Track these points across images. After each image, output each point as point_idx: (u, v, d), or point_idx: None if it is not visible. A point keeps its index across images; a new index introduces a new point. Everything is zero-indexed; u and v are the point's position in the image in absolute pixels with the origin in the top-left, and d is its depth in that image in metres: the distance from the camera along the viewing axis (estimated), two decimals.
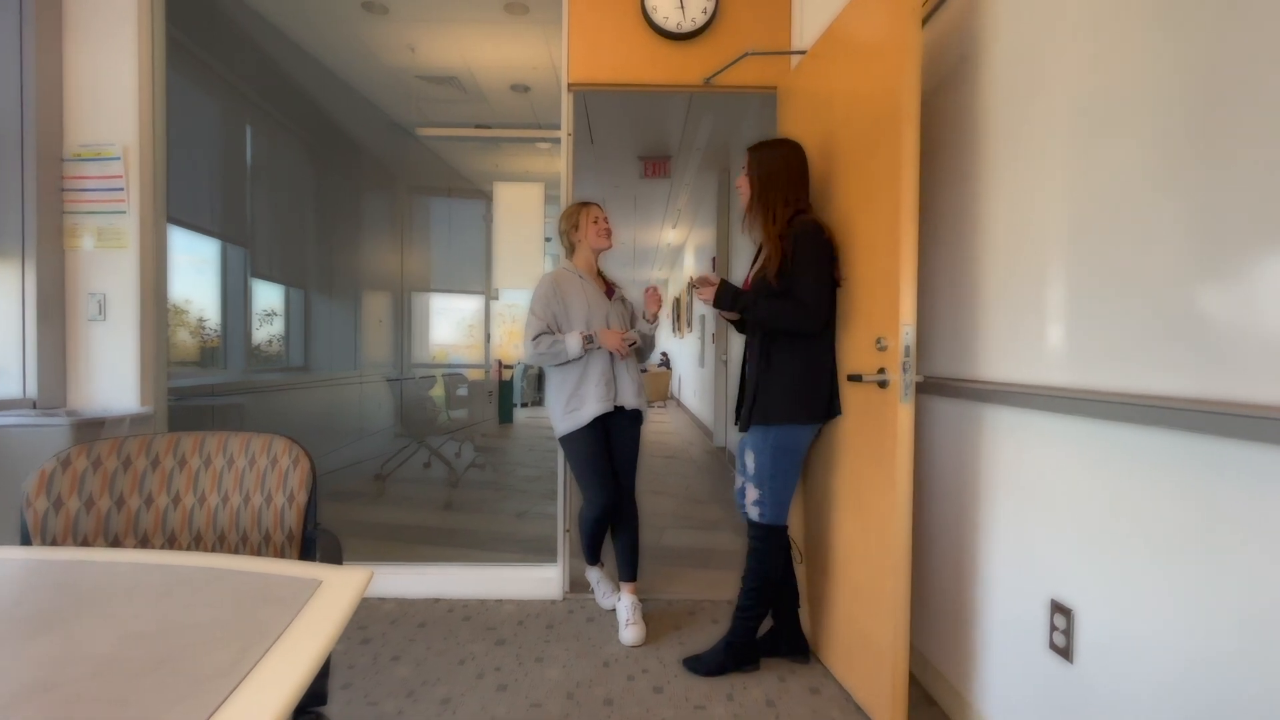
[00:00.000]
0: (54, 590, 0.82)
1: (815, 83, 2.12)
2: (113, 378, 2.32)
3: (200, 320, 3.08)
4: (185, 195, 2.76)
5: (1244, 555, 0.95)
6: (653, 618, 2.35)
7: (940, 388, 1.79)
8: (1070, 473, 1.32)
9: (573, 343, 2.16)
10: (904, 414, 1.59)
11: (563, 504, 2.55)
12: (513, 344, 3.61)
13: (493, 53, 3.07)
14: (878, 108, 1.70)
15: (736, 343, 5.69)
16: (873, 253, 1.73)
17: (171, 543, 1.19)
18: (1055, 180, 1.37)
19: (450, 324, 3.85)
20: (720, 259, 6.25)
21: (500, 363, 3.80)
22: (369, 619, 2.32)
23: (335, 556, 1.18)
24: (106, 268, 2.31)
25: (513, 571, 2.52)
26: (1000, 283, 1.56)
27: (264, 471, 1.22)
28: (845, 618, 1.89)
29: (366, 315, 3.80)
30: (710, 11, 2.42)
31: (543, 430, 3.56)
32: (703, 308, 8.21)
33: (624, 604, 2.26)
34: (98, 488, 1.16)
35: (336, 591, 0.82)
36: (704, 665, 1.96)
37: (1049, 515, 1.38)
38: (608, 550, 2.44)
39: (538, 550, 2.63)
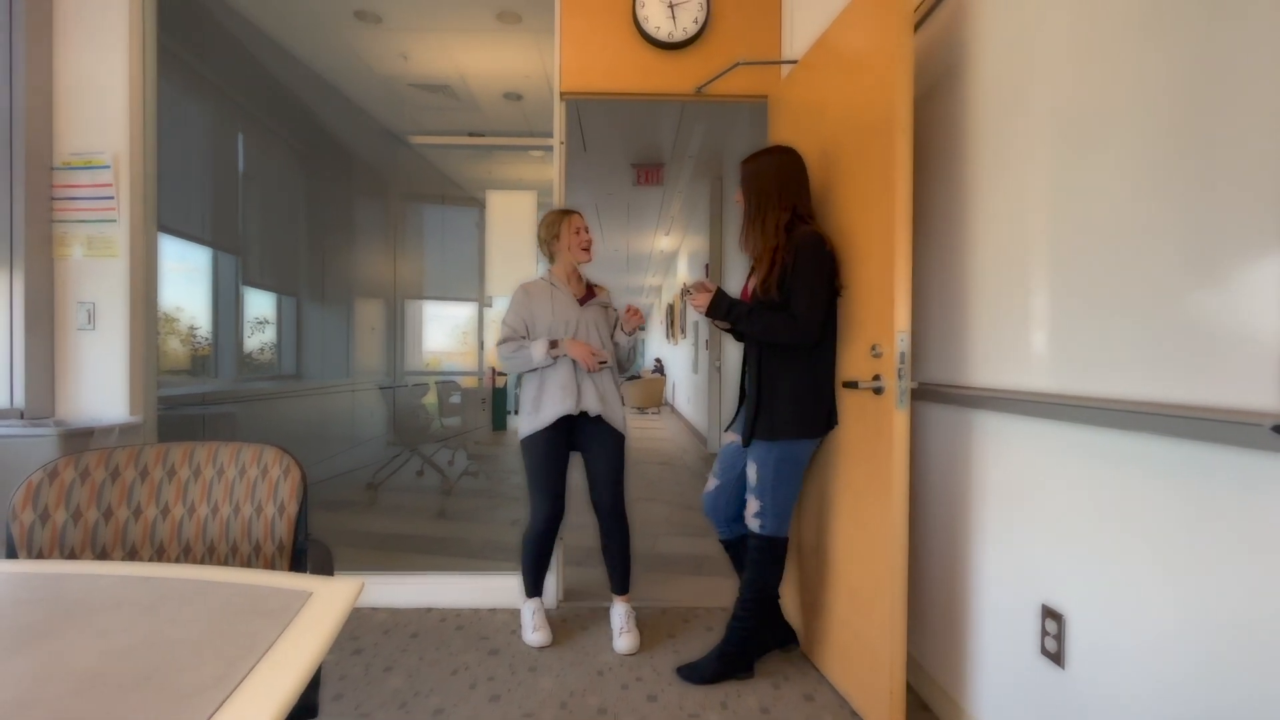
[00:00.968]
0: (38, 604, 0.81)
1: (807, 92, 2.14)
2: (102, 387, 2.30)
3: (191, 329, 3.06)
4: (176, 203, 2.74)
5: (1234, 560, 0.96)
6: (646, 625, 2.34)
7: (933, 394, 1.79)
8: (1059, 478, 1.32)
9: (537, 350, 2.14)
10: (899, 420, 1.60)
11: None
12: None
13: (485, 61, 3.08)
14: (870, 117, 1.71)
15: (731, 349, 5.71)
16: (867, 260, 1.74)
17: (160, 554, 1.18)
18: (1041, 189, 1.38)
19: (443, 331, 3.84)
20: (713, 266, 6.27)
21: (494, 370, 3.80)
22: (361, 629, 2.30)
23: (326, 568, 1.17)
24: (96, 276, 2.29)
25: (506, 580, 2.51)
26: (989, 289, 1.57)
27: (254, 482, 1.21)
28: (841, 623, 1.89)
29: (359, 323, 3.78)
30: (701, 21, 2.44)
31: None
32: (696, 314, 8.22)
33: (617, 613, 2.25)
34: (85, 499, 1.15)
35: (327, 603, 0.81)
36: (698, 673, 1.95)
37: (1039, 520, 1.38)
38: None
39: None
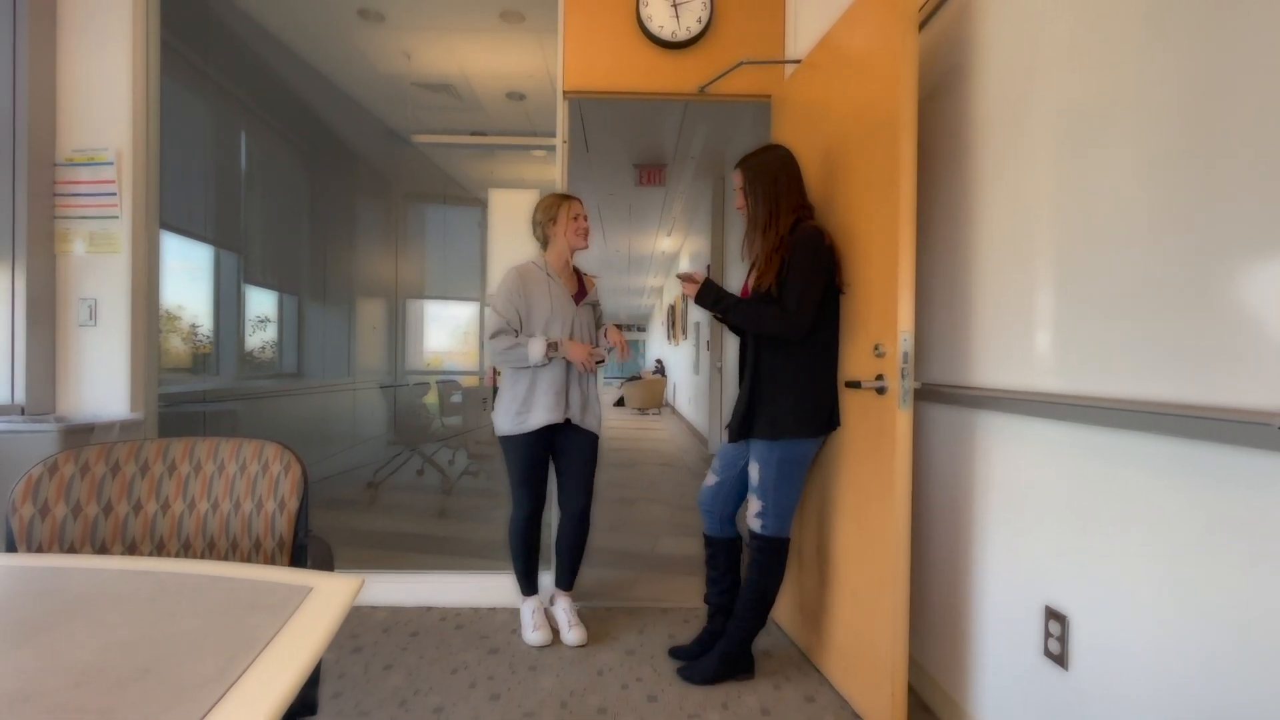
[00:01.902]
0: (36, 598, 0.80)
1: (811, 92, 2.13)
2: (103, 384, 2.30)
3: (193, 326, 3.06)
4: (178, 201, 2.74)
5: (1238, 560, 0.95)
6: (648, 625, 2.34)
7: (936, 394, 1.79)
8: (1063, 478, 1.32)
9: (535, 350, 2.07)
10: (902, 420, 1.59)
11: (557, 511, 2.53)
12: None
13: (488, 60, 3.07)
14: (874, 116, 1.71)
15: (731, 351, 5.70)
16: (870, 259, 1.73)
17: (160, 550, 1.18)
18: (1045, 188, 1.38)
19: (445, 331, 3.83)
20: (715, 266, 6.27)
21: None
22: (360, 627, 2.29)
23: (326, 564, 1.17)
24: (98, 273, 2.29)
25: (506, 580, 2.50)
26: (992, 288, 1.56)
27: (255, 477, 1.21)
28: (843, 624, 1.88)
29: (360, 322, 3.78)
30: (705, 21, 2.44)
31: None
32: (698, 315, 8.22)
33: (562, 608, 2.25)
34: (85, 494, 1.14)
35: (327, 599, 0.81)
36: (699, 674, 1.94)
37: (1043, 521, 1.38)
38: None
39: None
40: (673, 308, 11.85)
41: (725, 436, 2.10)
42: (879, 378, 1.67)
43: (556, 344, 2.11)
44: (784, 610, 2.30)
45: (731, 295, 1.87)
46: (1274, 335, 0.90)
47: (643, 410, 12.14)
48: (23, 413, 2.17)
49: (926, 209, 1.86)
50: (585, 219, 2.24)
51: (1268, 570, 0.91)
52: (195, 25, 2.78)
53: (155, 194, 2.42)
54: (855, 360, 1.81)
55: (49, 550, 1.10)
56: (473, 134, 3.38)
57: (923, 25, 1.87)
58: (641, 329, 23.49)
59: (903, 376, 1.58)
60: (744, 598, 1.92)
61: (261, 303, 3.48)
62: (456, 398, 3.89)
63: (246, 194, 3.34)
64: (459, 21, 2.89)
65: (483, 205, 3.25)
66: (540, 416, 2.12)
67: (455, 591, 2.50)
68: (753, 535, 1.89)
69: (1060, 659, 1.32)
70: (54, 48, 2.27)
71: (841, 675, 1.88)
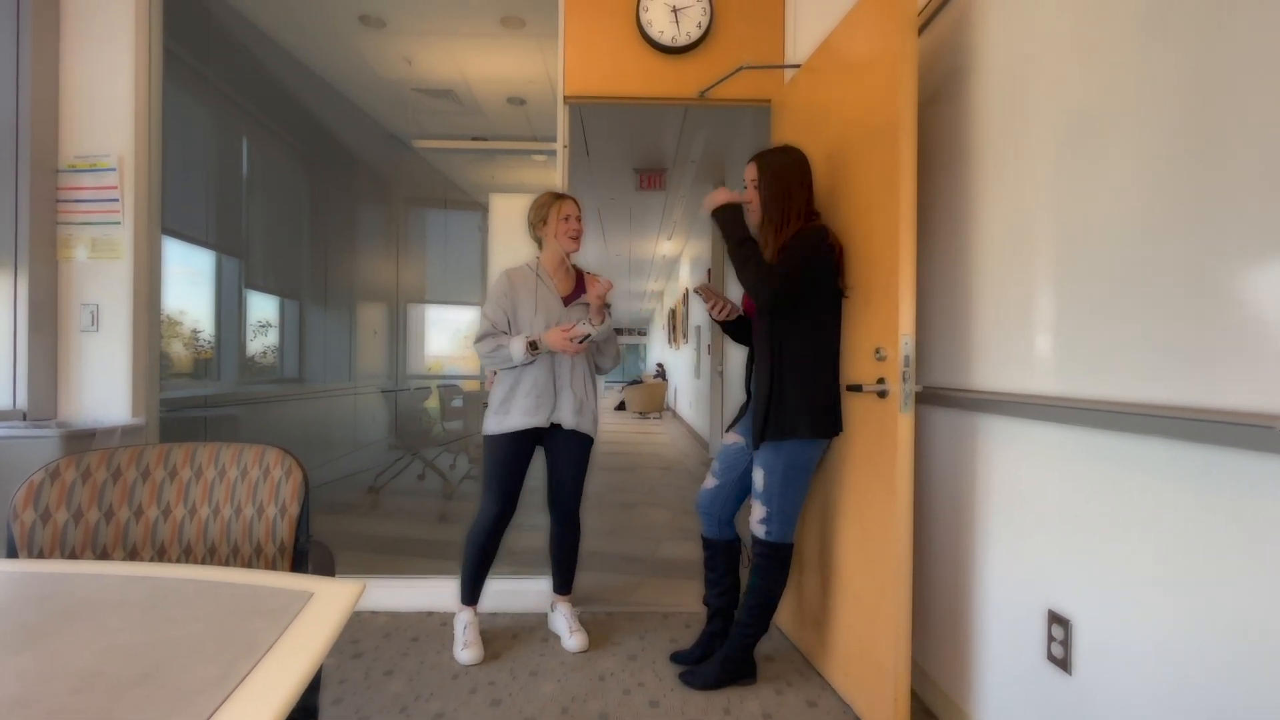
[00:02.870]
0: (37, 603, 0.80)
1: (810, 96, 2.14)
2: (104, 389, 2.30)
3: (194, 331, 3.07)
4: (180, 206, 2.75)
5: (1243, 564, 0.95)
6: (649, 630, 2.33)
7: (937, 398, 1.79)
8: (1065, 482, 1.31)
9: (516, 348, 2.02)
10: (904, 424, 1.59)
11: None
12: None
13: (489, 65, 3.09)
14: (874, 120, 1.71)
15: (733, 354, 5.70)
16: (871, 263, 1.73)
17: (161, 555, 1.18)
18: (1046, 191, 1.38)
19: (446, 335, 3.83)
20: (715, 271, 6.27)
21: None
22: (361, 633, 2.29)
23: (327, 569, 1.17)
24: (100, 278, 2.30)
25: (507, 584, 2.49)
26: (993, 291, 1.56)
27: (256, 483, 1.21)
28: (845, 629, 1.88)
29: (361, 327, 3.78)
30: (705, 26, 2.45)
31: None
32: (699, 318, 8.22)
33: (561, 614, 2.23)
34: (86, 499, 1.14)
35: (328, 604, 0.81)
36: (700, 679, 1.93)
37: (1045, 524, 1.37)
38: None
39: (532, 563, 2.60)
40: (673, 311, 11.85)
41: (725, 438, 2.10)
42: (880, 381, 1.67)
43: (537, 341, 2.03)
44: (786, 615, 2.30)
45: (746, 232, 1.84)
46: (1275, 337, 0.90)
47: (644, 414, 12.13)
48: (24, 418, 2.17)
49: (927, 212, 1.87)
50: (578, 219, 2.16)
51: (1271, 573, 0.91)
52: (197, 31, 2.79)
53: (157, 200, 2.43)
54: (856, 364, 1.80)
55: (50, 556, 1.10)
56: (473, 139, 3.39)
57: (922, 29, 1.87)
58: (642, 333, 23.51)
59: (904, 380, 1.58)
60: (747, 603, 1.91)
61: (263, 308, 3.49)
62: (457, 402, 3.89)
63: (248, 199, 3.35)
64: (460, 27, 2.90)
65: (483, 210, 3.26)
66: (518, 419, 2.07)
67: (456, 596, 2.49)
68: (756, 541, 1.88)
69: (1063, 663, 1.31)
70: (57, 54, 2.28)
71: (844, 680, 1.87)
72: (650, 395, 12.12)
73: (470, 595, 2.19)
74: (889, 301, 1.63)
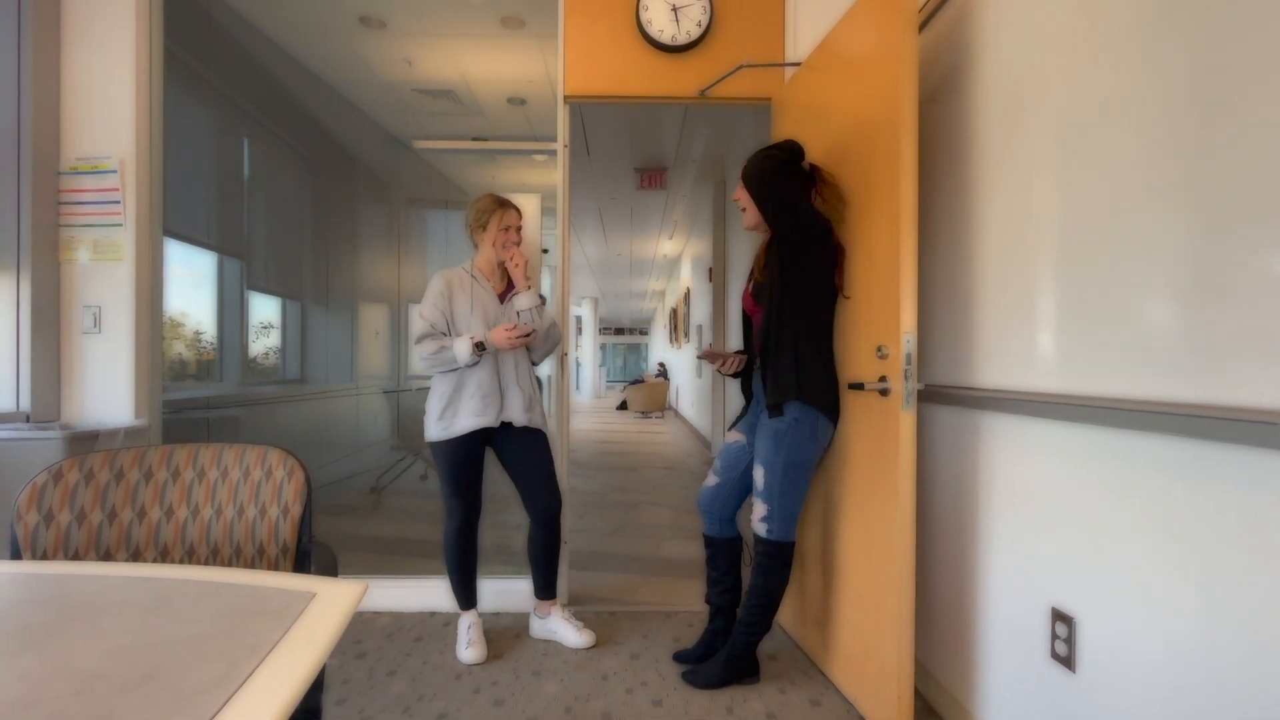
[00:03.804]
0: (40, 604, 0.80)
1: (811, 94, 2.13)
2: (107, 391, 2.31)
3: (196, 333, 3.07)
4: (181, 208, 2.75)
5: (1248, 561, 0.95)
6: (652, 629, 2.33)
7: (939, 395, 1.78)
8: (1068, 479, 1.31)
9: (461, 349, 1.96)
10: (906, 422, 1.58)
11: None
12: None
13: (489, 66, 3.09)
14: (875, 119, 1.71)
15: None
16: (872, 261, 1.73)
17: (164, 556, 1.18)
18: (1047, 189, 1.37)
19: None
20: (716, 270, 6.27)
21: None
22: (364, 633, 2.29)
23: (330, 569, 1.17)
24: (102, 280, 2.30)
25: (509, 584, 2.49)
26: (995, 289, 1.56)
27: (258, 484, 1.21)
28: (848, 627, 1.87)
29: (363, 327, 3.79)
30: (705, 24, 2.44)
31: None
32: (700, 318, 8.22)
33: (556, 619, 2.21)
34: (89, 501, 1.14)
35: (330, 604, 0.81)
36: (703, 678, 1.93)
37: (1048, 522, 1.37)
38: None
39: None
40: (675, 311, 11.86)
41: (726, 437, 2.10)
42: (882, 379, 1.66)
43: (483, 341, 2.00)
44: (789, 613, 2.29)
45: (781, 182, 1.80)
46: (1279, 333, 0.90)
47: (645, 414, 12.13)
48: (27, 420, 2.17)
49: (928, 209, 1.86)
50: (518, 230, 2.12)
51: (1277, 570, 0.90)
52: (198, 33, 2.79)
53: (159, 201, 2.43)
54: (858, 362, 1.80)
55: (53, 557, 1.10)
56: (474, 139, 3.38)
57: (922, 27, 1.87)
58: (644, 332, 23.50)
59: (906, 378, 1.58)
60: (749, 602, 1.91)
61: (264, 308, 3.49)
62: None
63: (249, 200, 3.36)
64: (460, 27, 2.90)
65: None
66: (466, 421, 2.03)
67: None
68: (758, 540, 1.88)
69: (1067, 661, 1.31)
70: (58, 57, 2.28)
71: (847, 679, 1.87)
72: (652, 395, 12.12)
73: (465, 600, 2.19)
74: (890, 299, 1.63)
